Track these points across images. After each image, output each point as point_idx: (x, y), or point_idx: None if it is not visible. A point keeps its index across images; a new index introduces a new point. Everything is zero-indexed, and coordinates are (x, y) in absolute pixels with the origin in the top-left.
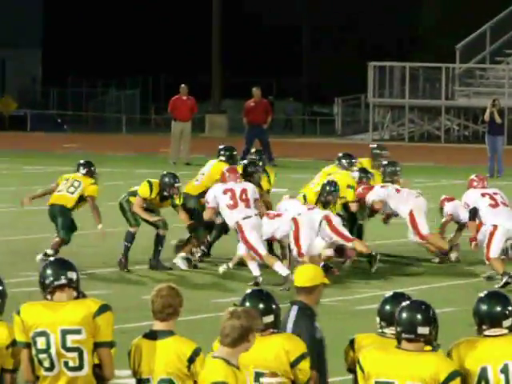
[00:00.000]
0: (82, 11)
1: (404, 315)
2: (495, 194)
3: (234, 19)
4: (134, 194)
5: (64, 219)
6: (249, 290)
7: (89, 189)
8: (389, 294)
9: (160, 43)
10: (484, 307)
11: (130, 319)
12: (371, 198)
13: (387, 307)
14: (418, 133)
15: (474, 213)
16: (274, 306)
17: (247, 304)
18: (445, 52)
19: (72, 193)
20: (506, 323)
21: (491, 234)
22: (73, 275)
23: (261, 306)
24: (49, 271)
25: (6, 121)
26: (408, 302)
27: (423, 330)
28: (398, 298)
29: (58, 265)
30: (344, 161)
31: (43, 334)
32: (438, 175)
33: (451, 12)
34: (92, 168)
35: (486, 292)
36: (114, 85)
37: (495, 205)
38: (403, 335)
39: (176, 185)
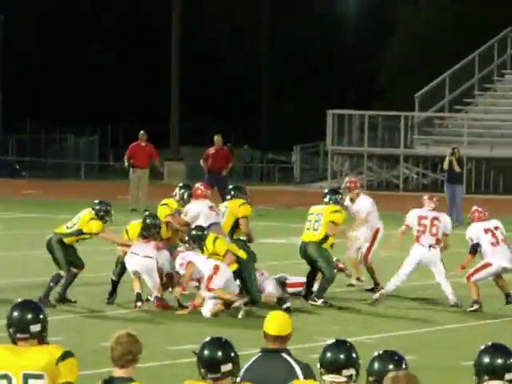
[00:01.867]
0: (41, 57)
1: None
2: (496, 228)
3: (192, 66)
4: None
5: None
6: (207, 338)
7: None
8: (331, 340)
9: (119, 90)
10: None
11: (87, 365)
12: None
13: (328, 354)
14: (376, 181)
15: (475, 247)
16: (232, 354)
17: (206, 352)
18: (404, 101)
19: None
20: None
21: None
22: (37, 328)
23: (219, 354)
24: (15, 319)
25: None
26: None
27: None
28: (339, 345)
29: (24, 314)
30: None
31: (5, 377)
32: (396, 224)
33: (410, 61)
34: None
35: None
36: (73, 131)
37: (496, 243)
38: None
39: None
